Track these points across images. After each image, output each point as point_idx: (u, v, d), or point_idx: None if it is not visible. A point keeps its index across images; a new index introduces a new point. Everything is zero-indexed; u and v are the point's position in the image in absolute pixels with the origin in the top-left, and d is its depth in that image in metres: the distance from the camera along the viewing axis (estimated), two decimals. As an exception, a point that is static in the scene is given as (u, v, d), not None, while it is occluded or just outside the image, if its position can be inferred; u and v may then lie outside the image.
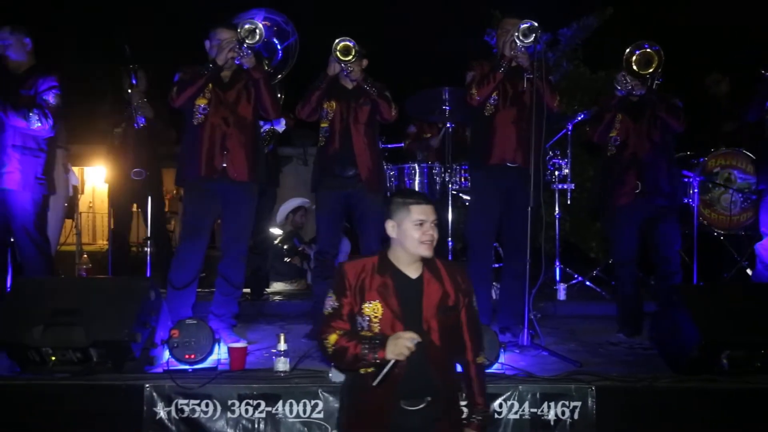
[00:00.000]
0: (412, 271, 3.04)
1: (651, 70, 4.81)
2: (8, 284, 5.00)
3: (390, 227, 3.04)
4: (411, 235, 2.98)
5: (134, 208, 6.90)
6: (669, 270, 4.99)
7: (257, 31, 4.46)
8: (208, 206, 4.69)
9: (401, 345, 2.78)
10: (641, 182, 4.90)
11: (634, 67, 4.81)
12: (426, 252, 2.99)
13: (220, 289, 4.73)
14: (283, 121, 6.08)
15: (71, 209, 6.82)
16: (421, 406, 2.93)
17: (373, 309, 2.95)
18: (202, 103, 4.59)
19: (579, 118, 6.68)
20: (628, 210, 4.97)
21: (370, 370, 2.87)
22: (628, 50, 4.82)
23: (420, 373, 2.91)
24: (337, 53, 4.68)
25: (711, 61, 7.76)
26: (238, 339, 4.49)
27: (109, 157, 6.62)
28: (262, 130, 5.99)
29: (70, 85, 4.96)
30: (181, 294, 4.57)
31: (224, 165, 4.56)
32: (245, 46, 4.48)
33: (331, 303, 3.02)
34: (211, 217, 4.77)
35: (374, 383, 2.82)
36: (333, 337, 2.93)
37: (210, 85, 4.59)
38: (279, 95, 6.00)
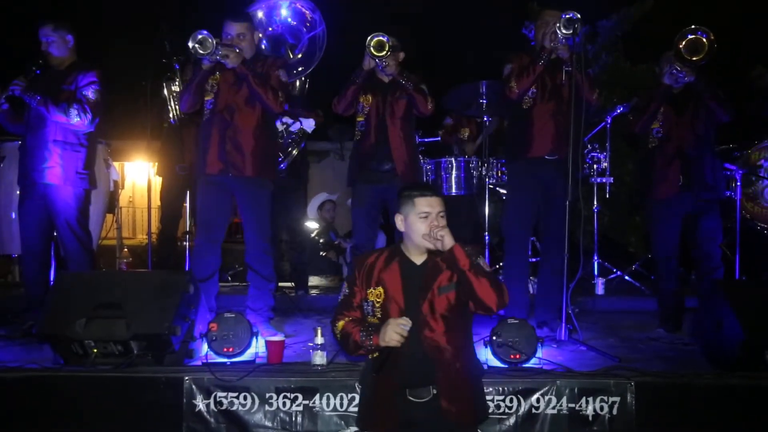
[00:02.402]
0: (420, 258, 3.10)
1: (701, 57, 4.64)
2: (52, 278, 5.10)
3: (398, 221, 3.12)
4: (416, 228, 3.03)
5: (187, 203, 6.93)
6: (711, 266, 4.90)
7: (207, 42, 4.37)
8: (217, 200, 4.69)
9: (390, 331, 2.86)
10: (684, 175, 4.82)
11: (684, 54, 4.65)
12: (429, 245, 3.02)
13: (252, 283, 4.77)
14: (312, 122, 6.08)
15: (112, 204, 6.88)
16: (426, 398, 2.96)
17: (376, 294, 3.05)
18: (208, 98, 4.64)
19: (618, 111, 6.60)
20: (670, 204, 4.90)
21: (376, 355, 2.97)
22: (677, 36, 4.66)
23: (420, 360, 2.96)
24: (371, 49, 4.66)
25: (755, 54, 7.61)
26: (276, 332, 4.52)
27: (160, 152, 6.66)
28: (291, 128, 6.03)
29: (111, 81, 5.02)
30: (201, 287, 4.62)
31: (229, 160, 4.58)
32: (201, 57, 4.42)
33: (343, 291, 3.17)
34: (223, 211, 4.74)
35: (373, 370, 2.94)
36: (340, 324, 3.07)
37: (216, 80, 4.62)
38: (290, 87, 6.01)
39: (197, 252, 4.72)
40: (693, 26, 4.65)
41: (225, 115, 4.59)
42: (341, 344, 3.14)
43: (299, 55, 5.28)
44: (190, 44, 4.38)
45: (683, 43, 4.66)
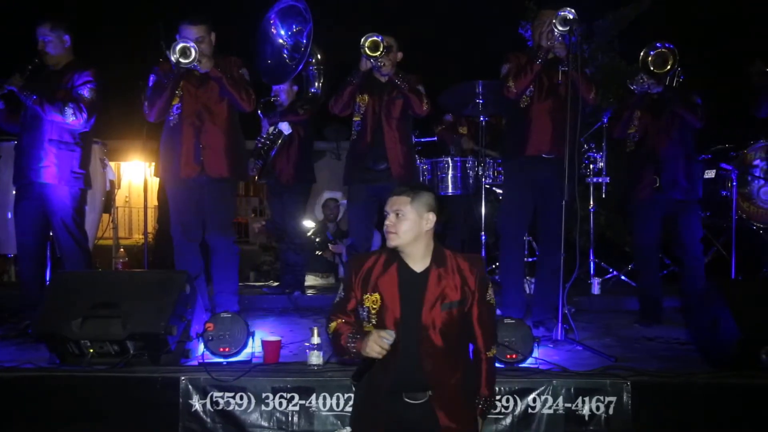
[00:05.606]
0: (419, 265, 3.02)
1: (667, 69, 4.87)
2: (48, 278, 5.09)
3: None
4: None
5: None
6: (693, 258, 5.10)
7: (189, 51, 4.38)
8: (192, 201, 4.74)
9: (372, 342, 2.79)
10: (659, 177, 5.04)
11: (651, 67, 4.88)
12: (387, 242, 3.00)
13: (216, 278, 4.85)
14: (285, 124, 6.02)
15: (108, 204, 6.88)
16: (422, 400, 2.93)
17: (372, 300, 2.98)
18: (175, 102, 4.64)
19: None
20: (648, 204, 5.12)
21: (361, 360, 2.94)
22: (643, 51, 4.90)
23: (416, 367, 2.91)
24: (366, 49, 4.67)
25: (753, 51, 7.62)
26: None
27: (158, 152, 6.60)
28: (270, 130, 6.02)
29: (108, 81, 5.01)
30: None
31: (202, 161, 4.61)
32: (184, 67, 4.43)
33: (339, 293, 3.12)
34: (199, 211, 4.78)
35: (352, 377, 2.94)
36: (333, 325, 3.03)
37: (182, 82, 4.62)
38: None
39: (178, 253, 4.78)
40: (657, 40, 4.89)
41: (194, 118, 4.62)
42: (332, 344, 3.12)
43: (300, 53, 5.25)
44: (173, 57, 4.37)
45: (650, 57, 4.88)
